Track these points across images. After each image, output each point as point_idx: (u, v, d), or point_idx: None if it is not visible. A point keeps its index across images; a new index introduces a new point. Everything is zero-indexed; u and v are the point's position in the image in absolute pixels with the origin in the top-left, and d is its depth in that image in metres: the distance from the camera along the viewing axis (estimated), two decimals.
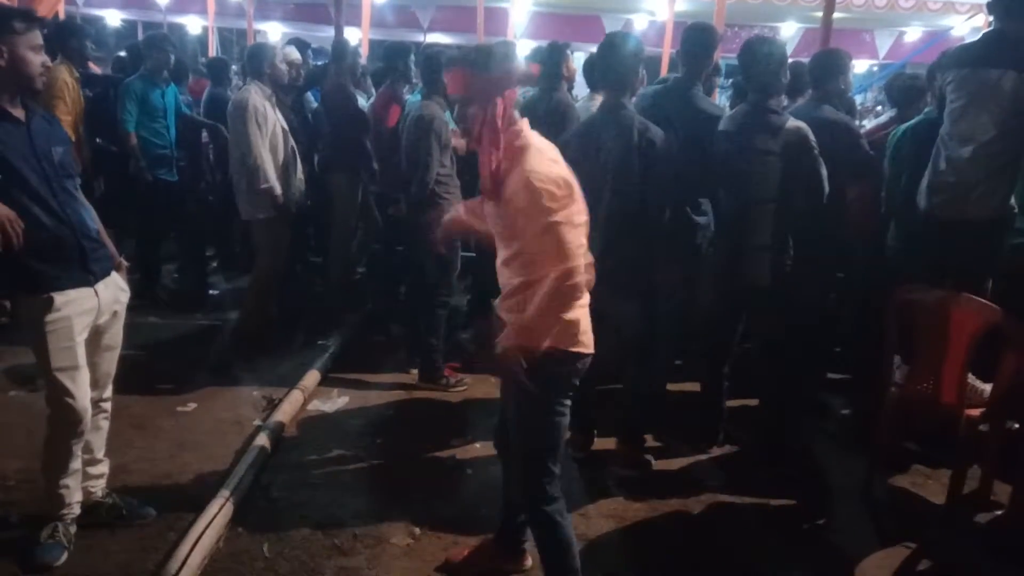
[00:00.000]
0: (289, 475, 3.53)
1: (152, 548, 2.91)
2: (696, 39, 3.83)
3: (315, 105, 6.01)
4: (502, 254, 2.41)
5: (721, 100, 6.60)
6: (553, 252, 2.20)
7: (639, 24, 14.25)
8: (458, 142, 4.67)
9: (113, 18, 15.91)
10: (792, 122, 3.52)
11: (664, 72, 7.15)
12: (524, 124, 2.33)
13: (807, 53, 9.11)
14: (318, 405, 4.30)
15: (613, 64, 3.50)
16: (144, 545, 2.93)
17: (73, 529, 2.87)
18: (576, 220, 2.25)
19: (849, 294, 4.80)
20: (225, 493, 3.17)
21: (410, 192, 4.34)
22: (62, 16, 8.20)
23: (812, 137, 3.50)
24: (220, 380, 4.51)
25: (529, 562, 2.86)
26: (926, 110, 4.23)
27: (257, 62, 4.87)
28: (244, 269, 6.22)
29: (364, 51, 8.70)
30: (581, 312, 2.34)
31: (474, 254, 5.52)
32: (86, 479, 2.97)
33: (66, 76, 5.07)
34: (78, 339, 2.69)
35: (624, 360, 3.66)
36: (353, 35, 8.98)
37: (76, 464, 2.85)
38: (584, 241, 2.31)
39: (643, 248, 3.42)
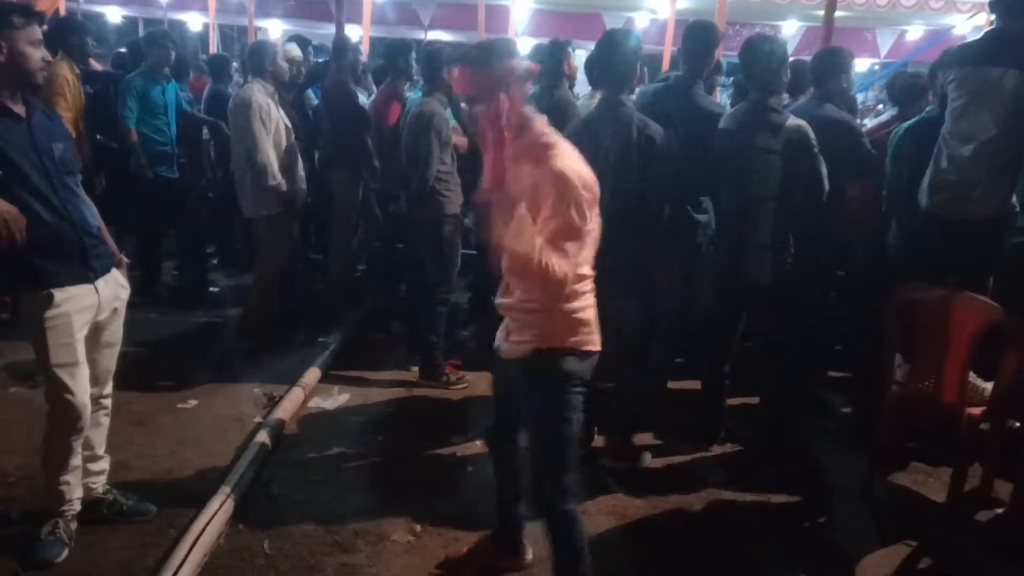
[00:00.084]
0: (290, 472, 3.53)
1: (153, 545, 2.91)
2: (697, 37, 3.83)
3: (315, 102, 6.01)
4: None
5: (722, 98, 6.59)
6: (554, 248, 2.15)
7: (640, 22, 14.24)
8: (458, 139, 4.67)
9: (114, 15, 15.90)
10: (792, 120, 3.52)
11: (665, 70, 7.13)
12: (542, 121, 2.31)
13: (808, 51, 9.09)
14: (319, 402, 4.31)
15: (612, 61, 3.49)
16: (145, 542, 2.93)
17: (74, 525, 2.87)
18: (592, 231, 2.25)
19: (850, 293, 4.79)
20: (226, 490, 3.17)
21: (410, 189, 4.33)
22: (63, 12, 8.21)
23: (812, 135, 3.50)
24: (220, 377, 4.51)
25: (529, 556, 2.86)
26: (927, 109, 4.22)
27: (258, 59, 4.87)
28: (245, 266, 6.23)
29: (365, 48, 8.70)
30: (591, 311, 2.35)
31: (475, 251, 5.53)
32: (86, 475, 2.97)
33: (67, 72, 5.06)
34: (78, 335, 2.69)
35: (624, 358, 3.66)
36: (354, 32, 8.97)
37: (76, 460, 2.85)
38: (590, 254, 2.30)
39: (643, 246, 3.41)
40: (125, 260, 2.97)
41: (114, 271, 2.86)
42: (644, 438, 3.96)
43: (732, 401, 4.03)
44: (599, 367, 2.49)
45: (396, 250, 5.70)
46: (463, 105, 4.93)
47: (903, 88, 4.84)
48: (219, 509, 3.04)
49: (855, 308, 4.78)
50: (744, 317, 3.87)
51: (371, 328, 5.56)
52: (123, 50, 7.58)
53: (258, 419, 3.98)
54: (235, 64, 7.35)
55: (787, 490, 3.57)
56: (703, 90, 3.89)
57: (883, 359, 3.51)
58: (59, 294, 2.62)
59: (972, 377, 3.22)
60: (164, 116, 5.60)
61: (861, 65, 14.83)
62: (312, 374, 4.52)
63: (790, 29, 14.37)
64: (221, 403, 4.20)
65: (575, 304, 2.31)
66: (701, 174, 3.75)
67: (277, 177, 4.72)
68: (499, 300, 2.46)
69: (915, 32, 15.12)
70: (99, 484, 3.05)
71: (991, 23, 3.93)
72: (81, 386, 2.72)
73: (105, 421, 3.03)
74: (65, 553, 2.79)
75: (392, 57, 5.17)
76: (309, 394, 4.34)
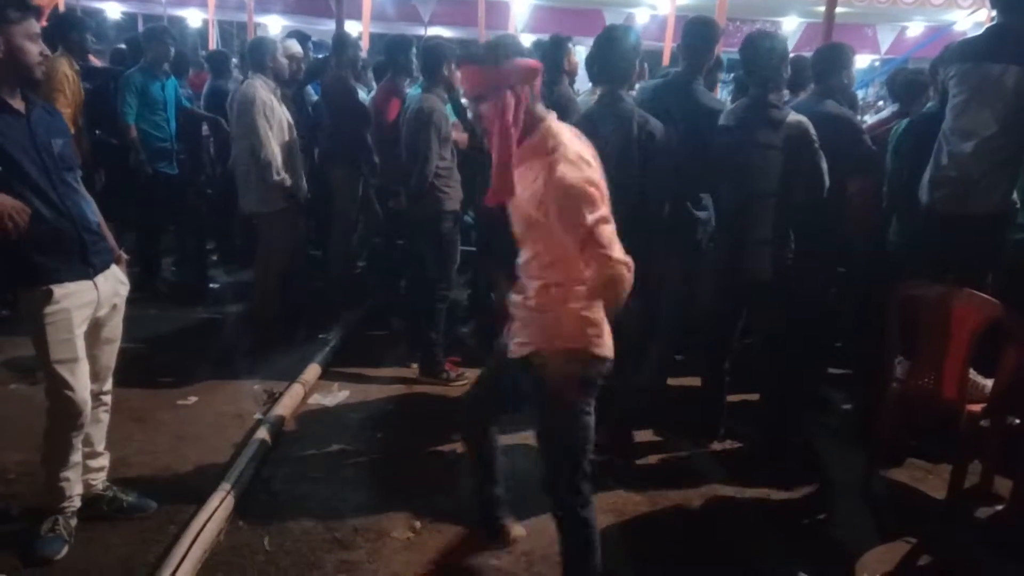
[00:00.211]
0: (290, 469, 3.53)
1: (153, 541, 2.91)
2: (697, 33, 3.82)
3: (315, 98, 6.00)
4: (523, 254, 2.37)
5: (723, 94, 6.58)
6: (593, 255, 2.10)
7: (641, 18, 14.24)
8: (458, 136, 4.67)
9: (113, 11, 15.89)
10: (793, 116, 3.52)
11: (665, 65, 7.12)
12: (551, 120, 2.25)
13: (809, 47, 9.09)
14: (319, 399, 4.30)
15: (611, 57, 3.49)
16: (145, 538, 2.93)
17: (74, 522, 2.87)
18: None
19: (850, 289, 4.79)
20: (226, 486, 3.17)
21: (410, 185, 4.33)
22: (62, 8, 8.20)
23: (813, 131, 3.50)
24: (220, 373, 4.51)
25: (517, 531, 2.90)
26: (928, 105, 4.22)
27: (259, 56, 4.88)
28: (244, 262, 6.22)
29: (364, 44, 8.69)
30: (601, 311, 2.30)
31: (474, 248, 5.53)
32: (86, 472, 2.97)
33: (66, 69, 5.06)
34: (77, 331, 2.69)
35: (624, 355, 3.65)
36: (353, 28, 8.96)
37: (76, 457, 2.84)
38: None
39: (643, 243, 3.40)
40: (124, 256, 2.96)
41: (113, 267, 2.86)
42: (644, 435, 3.96)
43: (732, 398, 4.03)
44: None
45: (396, 246, 5.69)
46: (463, 101, 4.93)
47: (904, 84, 4.84)
48: (219, 506, 3.04)
49: (855, 304, 4.78)
50: (744, 314, 3.87)
51: (371, 325, 5.56)
52: (122, 46, 7.57)
53: (258, 416, 3.97)
54: (234, 60, 7.33)
55: (787, 487, 3.57)
56: (703, 86, 3.88)
57: (883, 356, 3.51)
58: (59, 290, 2.61)
59: (972, 374, 3.22)
60: (163, 112, 5.60)
61: (862, 61, 14.84)
62: (312, 371, 4.52)
63: (790, 25, 14.37)
64: (221, 399, 4.19)
65: (584, 304, 2.26)
66: (701, 170, 3.75)
67: (281, 173, 4.74)
68: (512, 298, 2.43)
69: (916, 28, 15.12)
70: (99, 481, 3.05)
71: (992, 19, 3.91)
72: (81, 382, 2.72)
73: (105, 417, 3.03)
74: (65, 550, 2.78)
75: (392, 53, 5.17)
76: (309, 391, 4.34)
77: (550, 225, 2.15)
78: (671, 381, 4.24)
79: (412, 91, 5.11)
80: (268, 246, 5.09)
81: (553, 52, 4.49)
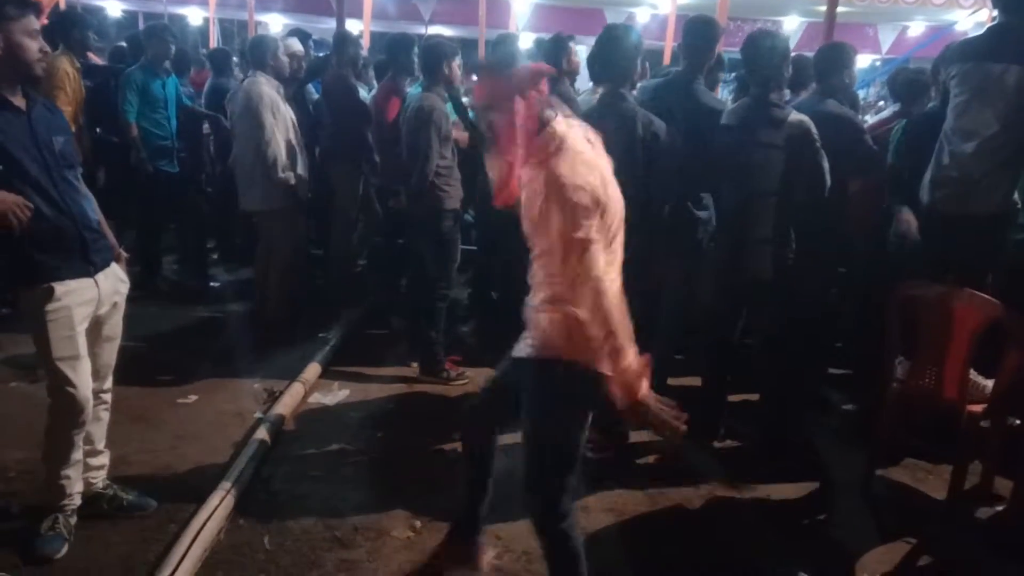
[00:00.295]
0: (290, 467, 3.53)
1: (153, 540, 2.91)
2: (698, 32, 3.82)
3: (316, 97, 6.00)
4: (533, 254, 2.31)
5: (723, 94, 6.58)
6: (577, 271, 2.08)
7: (641, 17, 14.25)
8: (459, 134, 4.66)
9: (114, 9, 15.89)
10: (795, 115, 3.52)
11: (666, 64, 7.12)
12: (559, 124, 2.20)
13: (810, 47, 9.08)
14: (319, 398, 4.30)
15: (612, 56, 3.49)
16: (145, 536, 2.93)
17: (74, 520, 2.87)
18: (609, 235, 2.15)
19: (851, 289, 4.79)
20: (226, 485, 3.17)
21: (410, 184, 4.33)
22: (63, 6, 8.19)
23: (814, 130, 3.49)
24: (221, 372, 4.51)
25: (488, 557, 2.84)
26: (930, 105, 4.21)
27: (260, 54, 4.88)
28: (245, 261, 6.22)
29: (365, 43, 8.68)
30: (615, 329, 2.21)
31: (475, 247, 5.53)
32: (87, 470, 2.97)
33: (67, 66, 5.05)
34: (79, 329, 2.69)
35: None
36: (354, 27, 8.95)
37: (77, 455, 2.85)
38: (616, 258, 2.20)
39: (646, 243, 3.41)
40: (124, 254, 2.96)
41: (114, 265, 2.86)
42: (644, 435, 3.95)
43: (732, 397, 4.03)
44: None
45: (396, 245, 5.69)
46: (465, 99, 4.93)
47: (905, 84, 4.83)
48: (219, 504, 3.04)
49: (856, 304, 4.78)
50: (744, 313, 3.87)
51: (371, 324, 5.56)
52: (122, 44, 7.56)
53: (258, 414, 3.97)
54: (235, 59, 7.33)
55: (787, 487, 3.57)
56: (704, 86, 3.88)
57: (884, 356, 3.50)
58: (60, 288, 2.61)
59: (972, 374, 3.21)
60: (164, 110, 5.60)
61: (863, 61, 14.84)
62: (312, 370, 4.51)
63: (791, 24, 14.37)
64: (221, 398, 4.19)
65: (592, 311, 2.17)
66: (702, 170, 3.74)
67: (287, 171, 4.76)
68: (527, 301, 2.37)
69: (917, 28, 15.12)
70: (99, 479, 3.05)
71: (993, 19, 3.91)
72: (83, 380, 2.72)
73: (105, 416, 3.03)
74: (65, 548, 2.79)
75: (394, 52, 5.16)
76: (309, 390, 4.34)
77: (550, 228, 2.13)
78: (671, 381, 4.23)
79: (412, 90, 5.11)
80: (268, 245, 5.10)
81: (552, 52, 4.49)
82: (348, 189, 5.53)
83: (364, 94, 5.76)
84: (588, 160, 2.17)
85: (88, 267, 2.71)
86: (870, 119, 5.93)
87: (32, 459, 3.00)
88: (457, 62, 4.46)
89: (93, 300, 2.74)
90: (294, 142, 4.92)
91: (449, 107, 4.55)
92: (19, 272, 2.63)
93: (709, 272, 3.89)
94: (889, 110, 5.47)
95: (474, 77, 7.74)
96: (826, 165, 3.52)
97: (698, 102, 3.75)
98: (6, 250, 2.58)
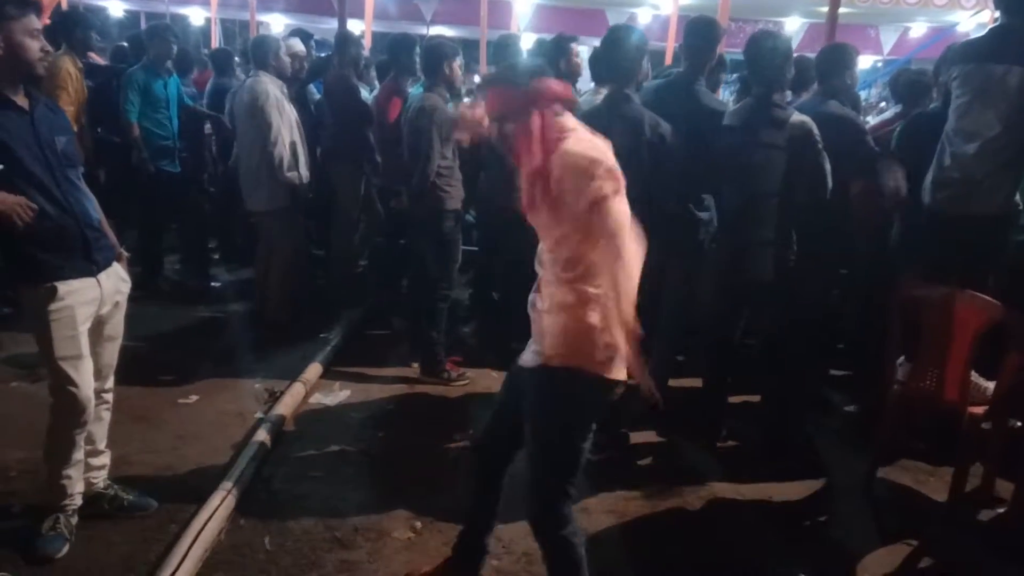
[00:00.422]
0: (290, 468, 3.53)
1: (154, 540, 2.91)
2: (699, 33, 3.82)
3: (318, 97, 6.00)
4: (542, 251, 2.31)
5: (725, 95, 6.58)
6: (602, 229, 2.07)
7: (643, 18, 14.26)
8: (460, 135, 4.66)
9: (116, 9, 15.91)
10: (797, 116, 3.52)
11: (668, 64, 7.12)
12: (569, 118, 2.23)
13: (812, 48, 9.07)
14: (320, 398, 4.30)
15: (617, 58, 3.49)
16: (146, 537, 2.93)
17: (75, 520, 2.87)
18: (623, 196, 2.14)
19: (852, 290, 4.79)
20: (227, 485, 3.17)
21: (411, 184, 4.33)
22: (65, 6, 8.20)
23: (816, 132, 3.49)
24: (222, 372, 4.51)
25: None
26: (932, 106, 4.21)
27: (262, 54, 4.89)
28: (246, 261, 6.22)
29: (367, 43, 8.69)
30: (622, 334, 2.19)
31: (476, 248, 5.53)
32: (88, 470, 2.97)
33: (69, 66, 5.06)
34: (81, 328, 2.69)
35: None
36: (356, 27, 8.96)
37: (78, 455, 2.85)
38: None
39: (647, 244, 3.41)
40: (125, 254, 2.97)
41: (115, 265, 2.86)
42: (645, 436, 3.96)
43: (734, 398, 4.03)
44: None
45: (397, 246, 5.69)
46: (467, 99, 4.91)
47: (907, 85, 4.84)
48: (220, 505, 3.04)
49: (858, 306, 4.78)
50: (745, 314, 3.86)
51: (372, 324, 5.56)
52: (124, 44, 7.57)
53: (259, 415, 3.98)
54: (236, 59, 7.34)
55: (788, 488, 3.57)
56: (705, 87, 3.88)
57: (885, 357, 3.50)
58: (62, 287, 2.62)
59: (974, 376, 3.21)
60: (166, 110, 5.61)
61: (864, 62, 14.83)
62: (313, 370, 4.51)
63: (793, 25, 14.37)
64: (222, 398, 4.20)
65: (602, 318, 2.17)
66: (703, 171, 3.74)
67: (293, 170, 4.76)
68: (532, 297, 2.35)
69: (918, 29, 15.13)
70: (100, 479, 3.05)
71: (995, 20, 3.91)
72: (85, 379, 2.72)
73: (106, 415, 3.03)
74: (66, 548, 2.79)
75: (396, 53, 5.17)
76: (310, 390, 4.34)
77: (564, 209, 2.12)
78: (672, 382, 4.24)
79: (414, 90, 5.11)
80: (270, 245, 5.11)
81: (554, 53, 4.49)
82: (349, 189, 5.53)
83: (366, 94, 5.76)
84: (598, 145, 2.19)
85: (90, 266, 2.71)
86: (872, 120, 5.93)
87: (33, 459, 3.00)
88: (458, 62, 4.46)
89: (95, 300, 2.74)
90: (298, 142, 4.93)
91: (451, 107, 4.55)
92: (22, 271, 2.63)
93: (710, 273, 3.89)
94: (891, 111, 5.47)
95: (476, 78, 7.74)
96: (828, 167, 3.52)
97: (699, 103, 3.75)
98: (9, 249, 2.59)
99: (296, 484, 3.40)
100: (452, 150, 4.38)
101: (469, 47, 9.87)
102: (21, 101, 2.58)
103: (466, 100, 5.13)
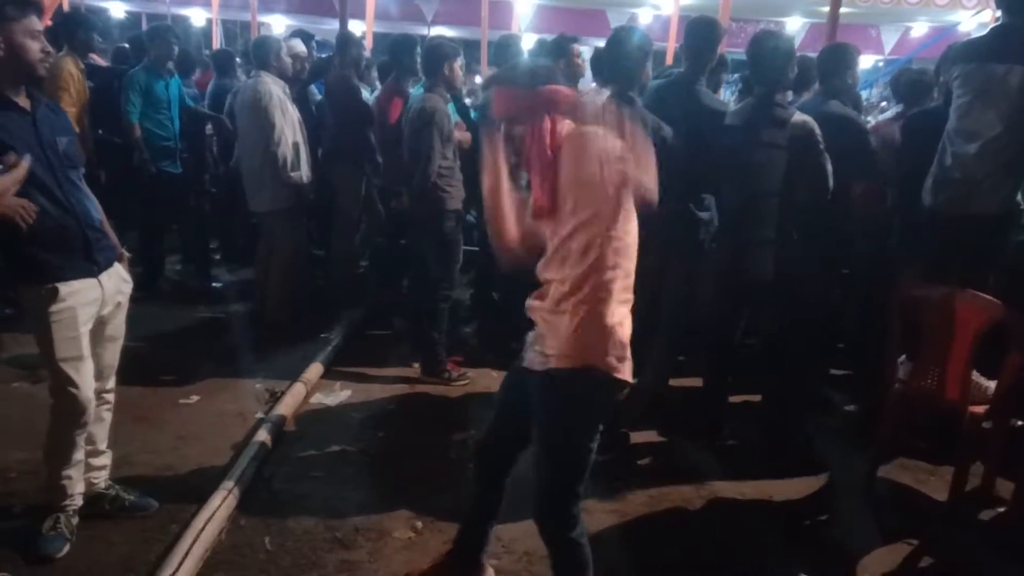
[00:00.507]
0: (291, 468, 3.53)
1: (154, 540, 2.91)
2: (699, 33, 3.81)
3: (319, 98, 6.01)
4: (550, 247, 2.25)
5: (725, 95, 6.58)
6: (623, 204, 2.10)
7: (644, 18, 14.26)
8: (461, 135, 4.67)
9: (117, 10, 15.93)
10: (799, 116, 3.52)
11: (669, 64, 7.11)
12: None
13: (813, 48, 9.07)
14: (320, 398, 4.31)
15: (620, 60, 3.49)
16: (146, 537, 2.93)
17: (75, 520, 2.88)
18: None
19: (853, 290, 4.79)
20: (227, 485, 3.17)
21: (412, 185, 4.33)
22: (66, 7, 8.21)
23: (818, 132, 3.49)
24: (223, 372, 4.51)
25: (490, 574, 2.79)
26: (932, 106, 4.21)
27: (263, 54, 4.90)
28: (247, 262, 6.23)
29: (368, 44, 8.70)
30: (628, 329, 2.21)
31: (477, 248, 5.53)
32: (88, 470, 2.97)
33: (71, 67, 5.06)
34: (82, 329, 2.69)
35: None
36: (357, 28, 8.96)
37: (79, 455, 2.85)
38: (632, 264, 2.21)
39: (646, 243, 3.41)
40: (127, 255, 2.97)
41: (116, 265, 2.86)
42: (646, 435, 3.96)
43: (734, 398, 4.03)
44: None
45: (398, 246, 5.69)
46: (468, 100, 4.92)
47: (908, 85, 4.83)
48: (221, 505, 3.04)
49: (858, 305, 4.78)
50: (746, 314, 3.86)
51: (373, 324, 5.56)
52: (125, 45, 7.58)
53: (260, 415, 3.98)
54: (238, 60, 7.35)
55: (788, 488, 3.57)
56: (706, 87, 3.88)
57: (885, 356, 3.50)
58: (64, 288, 2.62)
59: (975, 375, 3.21)
60: (167, 111, 5.62)
61: (865, 62, 14.82)
62: (314, 370, 4.52)
63: (794, 25, 14.36)
64: (223, 399, 4.20)
65: (613, 314, 2.16)
66: (704, 171, 3.74)
67: (297, 169, 4.77)
68: (531, 303, 2.32)
69: (920, 29, 15.12)
70: (101, 479, 3.05)
71: (996, 19, 3.91)
72: (86, 380, 2.73)
73: (107, 416, 3.03)
74: (67, 548, 2.79)
75: (397, 53, 5.17)
76: (311, 390, 4.34)
77: (581, 191, 2.11)
78: (673, 382, 4.24)
79: (414, 91, 5.12)
80: (270, 245, 5.11)
81: (554, 54, 4.49)
82: (350, 190, 5.54)
83: (367, 95, 5.77)
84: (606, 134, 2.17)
85: (92, 267, 2.71)
86: (873, 120, 5.93)
87: (34, 459, 3.00)
88: (459, 63, 4.46)
89: (97, 300, 2.74)
90: (301, 142, 4.93)
91: (451, 108, 4.55)
92: (23, 272, 2.63)
93: (710, 272, 3.89)
94: (892, 111, 5.46)
95: (477, 79, 7.73)
96: (829, 167, 3.52)
97: (700, 103, 3.74)
98: (10, 250, 2.59)
99: (297, 484, 3.40)
100: (453, 150, 4.39)
101: (470, 48, 9.88)
102: (23, 102, 2.58)
103: (468, 101, 5.14)
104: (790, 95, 4.11)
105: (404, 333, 5.27)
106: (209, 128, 6.53)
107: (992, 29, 3.78)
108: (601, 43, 3.88)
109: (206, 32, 15.63)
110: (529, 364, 2.30)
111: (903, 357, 3.47)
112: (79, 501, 2.90)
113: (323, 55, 6.69)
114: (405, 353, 4.92)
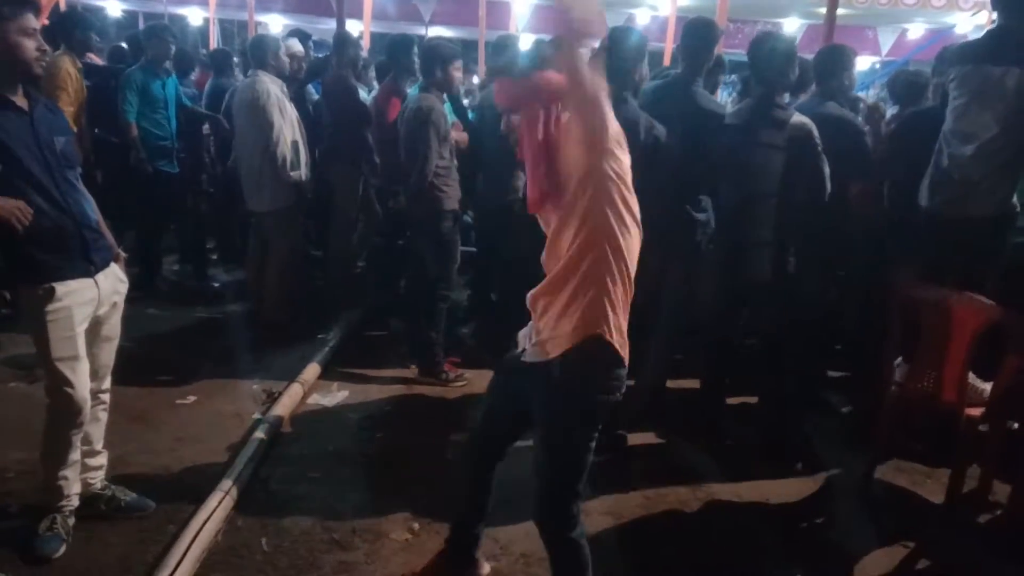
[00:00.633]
0: (288, 468, 3.53)
1: (151, 541, 2.90)
2: (696, 34, 3.82)
3: (316, 97, 6.00)
4: (552, 236, 2.24)
5: (723, 96, 6.58)
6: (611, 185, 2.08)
7: (641, 19, 14.26)
8: (458, 135, 4.66)
9: (114, 9, 15.90)
10: (798, 117, 3.52)
11: (666, 65, 7.12)
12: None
13: (810, 49, 9.07)
14: (318, 399, 4.30)
15: (614, 60, 3.48)
16: (143, 537, 2.93)
17: (72, 521, 2.87)
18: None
19: (850, 291, 4.79)
20: (224, 486, 3.17)
21: (409, 184, 4.33)
22: (63, 7, 8.20)
23: (816, 134, 3.50)
24: (220, 373, 4.50)
25: (486, 569, 2.81)
26: (928, 106, 4.22)
27: (261, 53, 4.89)
28: (244, 262, 6.22)
29: (365, 44, 8.69)
30: (625, 320, 2.20)
31: (475, 248, 5.53)
32: (85, 471, 2.97)
33: (69, 67, 5.05)
34: (79, 329, 2.69)
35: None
36: (354, 28, 8.95)
37: (75, 455, 2.85)
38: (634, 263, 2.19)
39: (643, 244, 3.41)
40: (123, 255, 2.97)
41: (113, 265, 2.86)
42: (644, 436, 3.96)
43: (731, 399, 4.03)
44: None
45: (396, 246, 5.69)
46: (466, 100, 4.91)
47: (904, 86, 4.84)
48: (218, 505, 3.04)
49: (856, 307, 4.78)
50: (744, 314, 3.86)
51: (370, 325, 5.55)
52: (122, 44, 7.56)
53: (257, 415, 3.97)
54: (235, 59, 7.34)
55: (785, 489, 3.57)
56: (703, 88, 3.88)
57: (883, 358, 3.50)
58: (60, 288, 2.62)
59: (971, 378, 3.21)
60: (164, 110, 5.60)
61: (862, 63, 14.84)
62: (311, 370, 4.51)
63: (791, 26, 14.36)
64: (220, 399, 4.19)
65: (612, 295, 2.15)
66: (700, 172, 3.75)
67: (297, 168, 4.77)
68: (532, 292, 2.30)
69: (916, 30, 15.14)
70: (97, 480, 3.05)
71: (992, 21, 3.92)
72: (82, 380, 2.72)
73: (103, 416, 3.03)
74: (63, 548, 2.78)
75: (395, 53, 5.17)
76: (308, 391, 4.34)
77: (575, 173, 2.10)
78: (670, 383, 4.24)
79: (411, 91, 5.12)
80: (266, 244, 5.10)
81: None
82: (348, 190, 5.53)
83: (364, 95, 5.76)
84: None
85: (88, 267, 2.71)
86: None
87: (31, 459, 2.99)
88: (457, 65, 4.45)
89: (93, 300, 2.74)
90: (300, 141, 4.93)
91: (448, 107, 4.55)
92: (20, 272, 2.63)
93: (708, 273, 3.89)
94: (889, 113, 5.47)
95: (475, 79, 7.71)
96: (827, 170, 3.52)
97: (696, 104, 3.75)
98: (7, 250, 2.58)
99: (294, 485, 3.39)
100: (450, 150, 4.38)
101: (468, 48, 9.88)
102: (20, 101, 2.57)
103: (466, 101, 5.13)
104: (787, 96, 4.11)
105: (401, 334, 5.26)
106: (206, 128, 6.52)
107: (988, 31, 3.79)
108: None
109: (203, 31, 15.62)
110: (527, 358, 2.31)
111: (900, 359, 3.48)
112: (76, 502, 2.90)
113: (320, 55, 6.69)
114: (402, 354, 4.91)
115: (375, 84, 6.25)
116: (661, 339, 3.94)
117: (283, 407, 4.02)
